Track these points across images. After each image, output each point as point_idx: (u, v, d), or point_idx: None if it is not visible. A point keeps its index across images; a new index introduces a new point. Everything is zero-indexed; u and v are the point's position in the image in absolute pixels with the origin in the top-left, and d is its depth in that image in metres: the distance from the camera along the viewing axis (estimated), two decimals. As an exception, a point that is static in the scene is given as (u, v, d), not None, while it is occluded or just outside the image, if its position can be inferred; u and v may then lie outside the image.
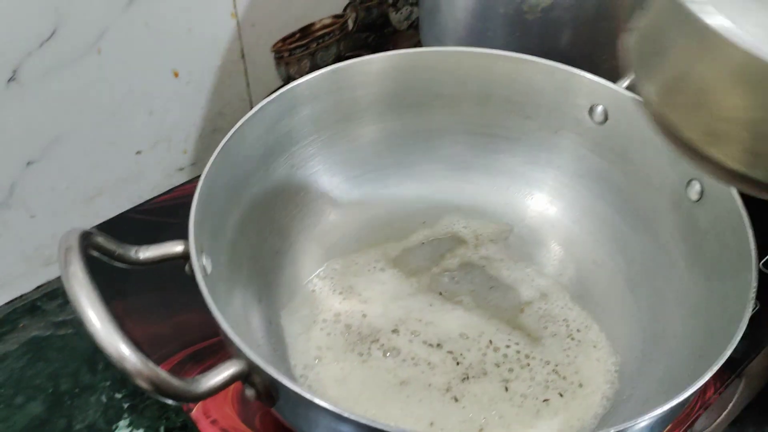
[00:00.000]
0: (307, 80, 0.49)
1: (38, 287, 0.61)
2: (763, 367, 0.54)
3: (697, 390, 0.34)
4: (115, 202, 0.62)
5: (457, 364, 0.49)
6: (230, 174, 0.46)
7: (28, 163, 0.55)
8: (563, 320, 0.51)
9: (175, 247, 0.39)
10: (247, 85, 0.66)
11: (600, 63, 0.53)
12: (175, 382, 0.32)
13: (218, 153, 0.44)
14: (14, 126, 0.52)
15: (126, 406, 0.53)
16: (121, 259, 0.37)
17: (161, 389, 0.31)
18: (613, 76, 0.49)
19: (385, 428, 0.32)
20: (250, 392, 0.35)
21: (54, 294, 0.60)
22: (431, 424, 0.45)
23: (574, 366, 0.48)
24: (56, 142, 0.56)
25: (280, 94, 0.48)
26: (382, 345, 0.49)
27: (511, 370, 0.48)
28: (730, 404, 0.53)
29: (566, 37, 0.53)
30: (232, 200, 0.47)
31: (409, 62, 0.52)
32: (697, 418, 0.47)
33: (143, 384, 0.31)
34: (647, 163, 0.49)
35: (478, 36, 0.56)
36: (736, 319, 0.36)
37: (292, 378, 0.47)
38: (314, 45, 0.68)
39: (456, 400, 0.47)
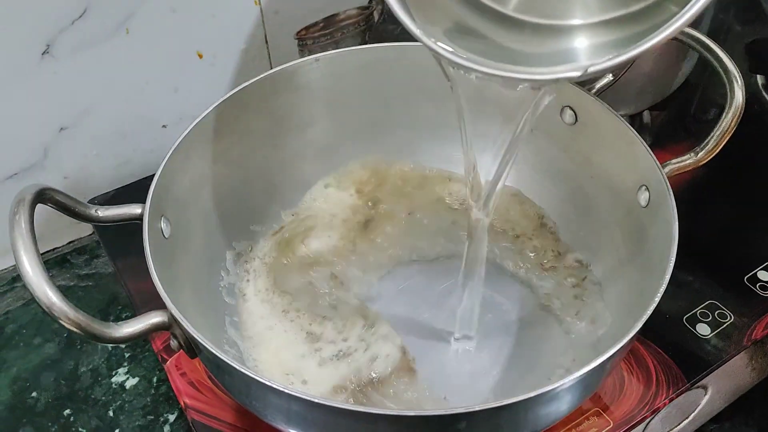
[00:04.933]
0: (292, 65, 0.52)
1: (70, 242, 0.67)
2: (734, 381, 0.53)
3: (589, 371, 0.35)
4: (142, 170, 0.66)
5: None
6: (206, 149, 0.50)
7: (61, 129, 0.60)
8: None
9: (134, 209, 0.42)
10: (271, 69, 0.69)
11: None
12: (95, 324, 0.35)
13: (192, 128, 0.47)
14: (48, 94, 0.58)
15: (127, 356, 0.58)
16: (79, 215, 0.41)
17: (84, 329, 0.35)
18: (583, 82, 0.50)
19: (278, 386, 0.35)
20: (174, 343, 0.39)
21: (83, 249, 0.66)
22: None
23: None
24: (87, 112, 0.61)
25: (265, 76, 0.51)
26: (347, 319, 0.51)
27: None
28: (693, 413, 0.52)
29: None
30: (205, 174, 0.50)
31: (395, 55, 0.54)
32: (643, 420, 0.47)
33: (68, 325, 0.35)
34: (608, 168, 0.49)
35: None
36: (640, 317, 0.36)
37: (241, 339, 0.50)
38: (338, 34, 0.70)
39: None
